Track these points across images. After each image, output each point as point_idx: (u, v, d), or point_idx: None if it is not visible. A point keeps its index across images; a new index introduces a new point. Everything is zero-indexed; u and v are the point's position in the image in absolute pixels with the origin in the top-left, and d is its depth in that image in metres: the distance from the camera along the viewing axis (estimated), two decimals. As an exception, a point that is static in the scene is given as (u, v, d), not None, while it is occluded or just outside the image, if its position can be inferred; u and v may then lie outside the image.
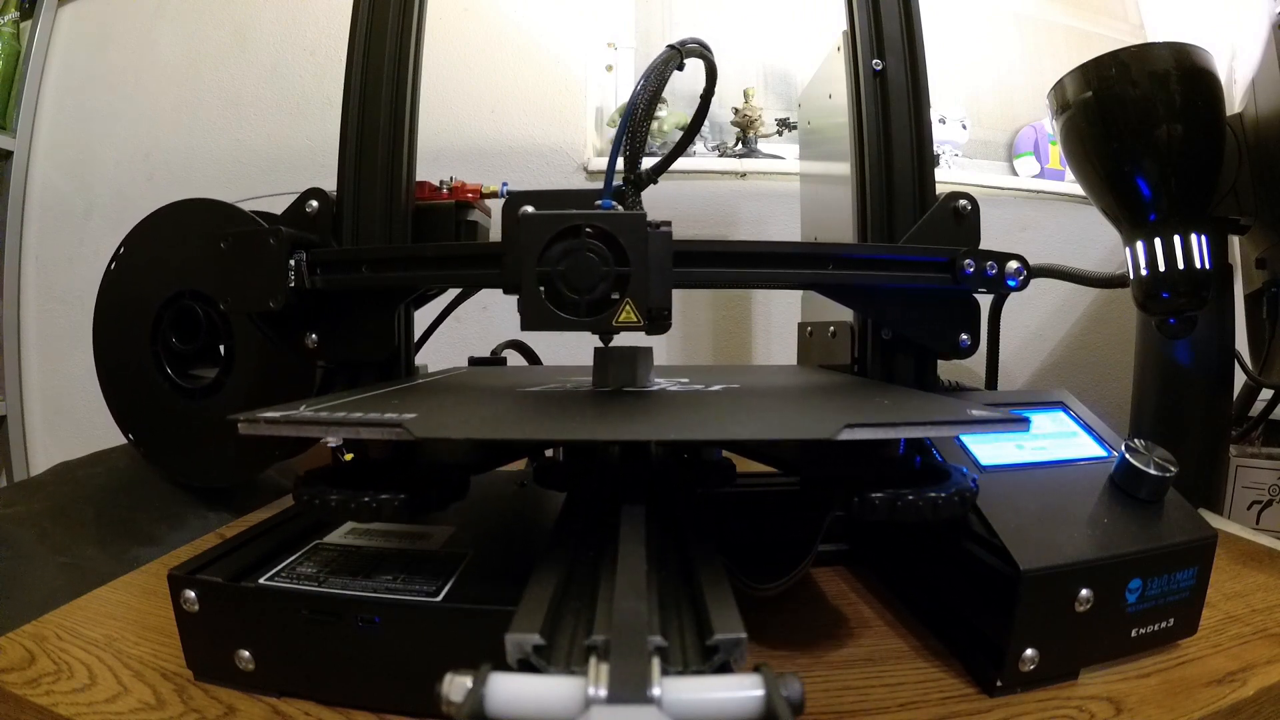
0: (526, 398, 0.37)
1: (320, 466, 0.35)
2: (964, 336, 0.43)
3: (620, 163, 0.40)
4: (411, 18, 0.46)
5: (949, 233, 0.43)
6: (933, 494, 0.29)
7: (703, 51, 0.43)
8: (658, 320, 0.35)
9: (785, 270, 0.40)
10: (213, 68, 1.06)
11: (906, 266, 0.41)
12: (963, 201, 0.43)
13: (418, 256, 0.42)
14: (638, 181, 0.41)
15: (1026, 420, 0.28)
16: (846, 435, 0.24)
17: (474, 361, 0.66)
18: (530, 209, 0.35)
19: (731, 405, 0.35)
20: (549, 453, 0.45)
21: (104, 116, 1.09)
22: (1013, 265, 0.41)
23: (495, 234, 0.58)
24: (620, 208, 0.36)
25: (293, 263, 0.40)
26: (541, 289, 0.34)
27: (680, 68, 0.42)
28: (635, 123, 0.39)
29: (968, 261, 0.40)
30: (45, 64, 1.10)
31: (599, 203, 0.36)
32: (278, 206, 0.46)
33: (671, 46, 0.41)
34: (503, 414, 0.33)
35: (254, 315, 0.43)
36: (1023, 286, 0.41)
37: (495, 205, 0.58)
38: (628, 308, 0.34)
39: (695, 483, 0.38)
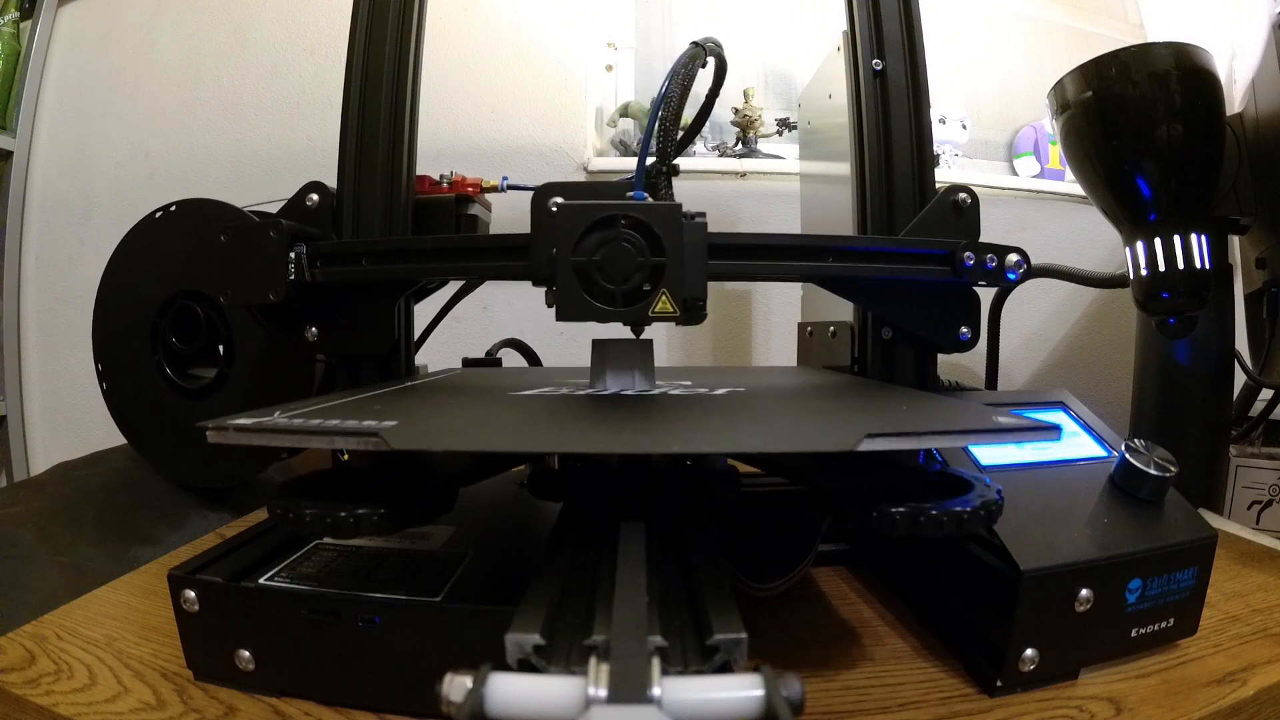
0: (519, 403, 0.36)
1: (301, 475, 0.34)
2: (964, 330, 0.43)
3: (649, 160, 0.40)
4: (411, 18, 0.46)
5: (949, 226, 0.43)
6: (957, 508, 0.27)
7: (718, 49, 0.43)
8: (693, 311, 0.35)
9: (810, 263, 0.40)
10: (213, 68, 1.06)
11: (907, 259, 0.41)
12: (962, 195, 0.43)
13: (417, 249, 0.42)
14: (670, 174, 0.41)
15: (1057, 428, 0.26)
16: (867, 446, 0.23)
17: (468, 363, 0.65)
18: (560, 200, 0.35)
19: (739, 412, 0.33)
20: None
21: (104, 116, 1.09)
22: (1012, 258, 0.41)
23: (495, 228, 0.58)
24: (650, 200, 0.36)
25: (293, 255, 0.40)
26: (576, 280, 0.34)
27: (704, 65, 0.42)
28: (667, 116, 0.40)
29: (967, 254, 0.40)
30: (45, 64, 1.10)
31: (630, 194, 0.36)
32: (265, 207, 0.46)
33: (695, 43, 0.42)
34: (492, 421, 0.31)
35: (253, 308, 0.43)
36: (1023, 279, 0.41)
37: (495, 199, 0.59)
38: (664, 298, 0.34)
39: (699, 492, 0.37)
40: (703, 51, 0.41)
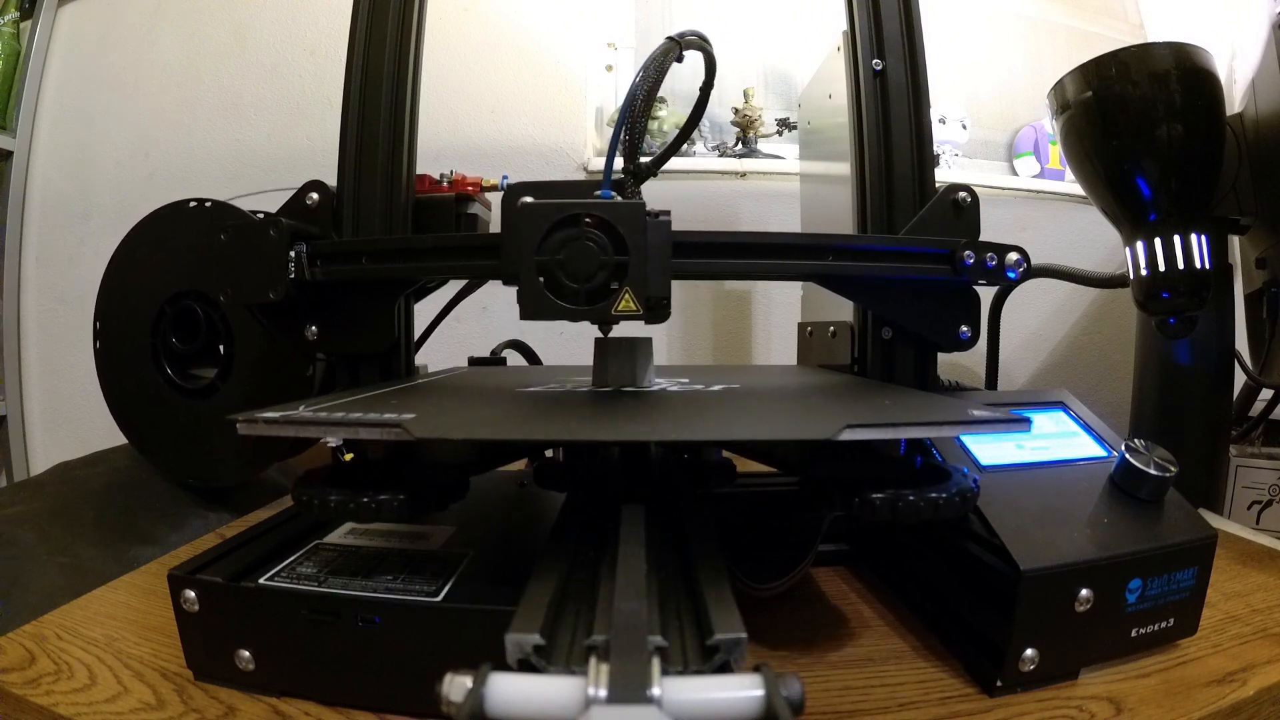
0: (526, 398, 0.37)
1: (319, 466, 0.35)
2: (964, 329, 0.43)
3: (618, 159, 0.40)
4: (411, 18, 0.46)
5: (949, 225, 0.43)
6: (934, 494, 0.29)
7: (702, 44, 0.43)
8: (656, 309, 0.35)
9: (786, 261, 0.40)
10: (213, 68, 1.06)
11: (907, 258, 0.41)
12: (962, 194, 0.43)
13: (417, 248, 0.42)
14: (637, 173, 0.41)
15: (1028, 420, 0.28)
16: (847, 435, 0.24)
17: (473, 361, 0.66)
18: (529, 199, 0.35)
19: (732, 405, 0.34)
20: (549, 453, 0.45)
21: (104, 116, 1.09)
22: (1012, 256, 0.41)
23: (495, 227, 0.58)
24: (619, 198, 0.36)
25: (293, 254, 0.41)
26: (541, 279, 0.34)
27: (680, 60, 0.42)
28: (634, 114, 0.39)
29: (967, 253, 0.40)
30: (45, 64, 1.10)
31: (598, 193, 0.36)
32: (274, 203, 0.46)
33: (671, 39, 0.41)
34: (502, 414, 0.33)
35: (253, 307, 0.43)
36: (1023, 278, 0.41)
37: (495, 198, 0.58)
38: (627, 297, 0.34)
39: (696, 483, 0.38)
40: (677, 46, 0.41)
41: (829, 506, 0.31)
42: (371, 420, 0.26)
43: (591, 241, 0.33)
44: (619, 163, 0.39)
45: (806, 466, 0.35)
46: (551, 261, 0.33)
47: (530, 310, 0.34)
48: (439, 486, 0.32)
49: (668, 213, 0.35)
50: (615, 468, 0.39)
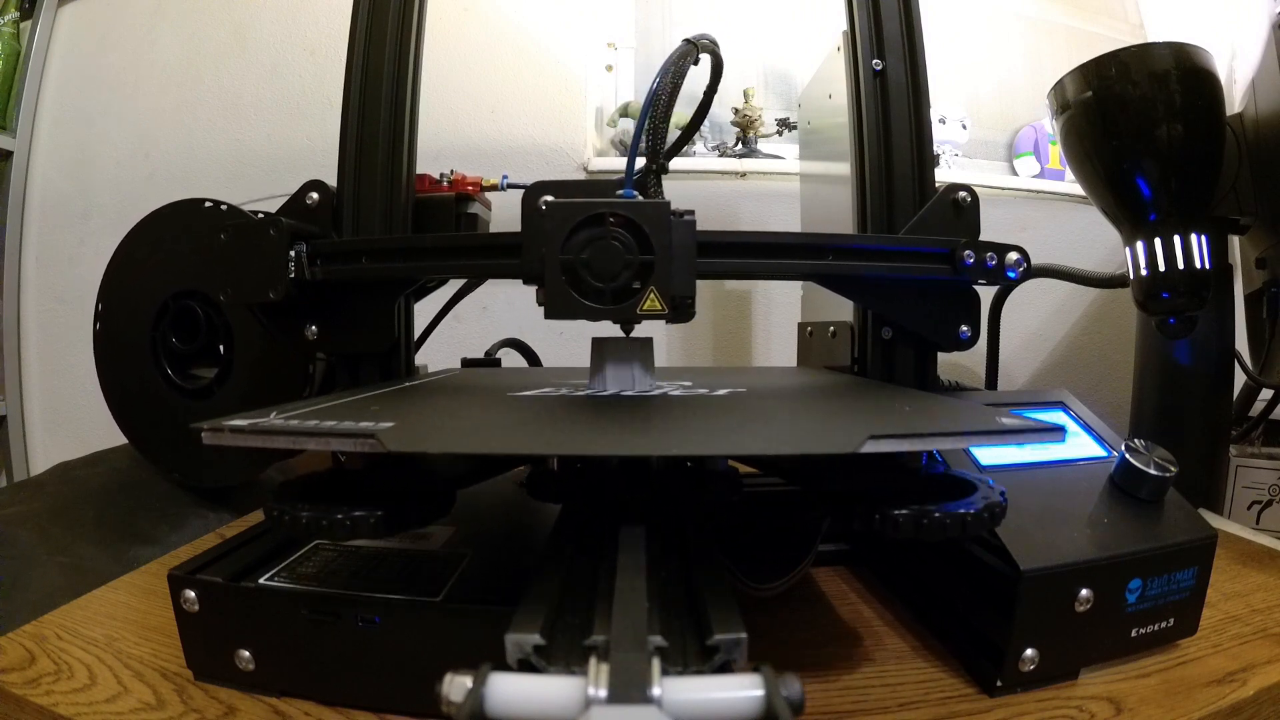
0: (518, 404, 0.35)
1: (299, 477, 0.34)
2: (964, 328, 0.43)
3: (639, 159, 0.40)
4: (411, 18, 0.46)
5: (949, 225, 0.43)
6: (960, 510, 0.27)
7: (712, 47, 0.43)
8: (681, 309, 0.35)
9: (806, 261, 0.40)
10: (213, 68, 1.06)
11: (907, 257, 0.41)
12: (962, 194, 0.43)
13: (417, 247, 0.42)
14: (659, 172, 0.41)
15: (1062, 429, 0.26)
16: (870, 447, 0.22)
17: (467, 363, 0.65)
18: (550, 198, 0.34)
19: (740, 413, 0.33)
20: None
21: (104, 116, 1.09)
22: (1012, 256, 0.41)
23: (495, 226, 0.58)
24: (640, 198, 0.36)
25: (293, 254, 0.40)
26: (564, 278, 0.33)
27: (696, 62, 0.42)
28: (657, 114, 0.40)
29: (967, 253, 0.40)
30: (45, 64, 1.10)
31: (620, 192, 0.36)
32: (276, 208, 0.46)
33: (687, 41, 0.41)
34: (491, 423, 0.31)
35: (253, 307, 0.43)
36: (1023, 278, 0.41)
37: (495, 198, 0.59)
38: (652, 296, 0.34)
39: (700, 494, 0.36)
40: (694, 49, 0.41)
41: (846, 522, 0.29)
42: (344, 430, 0.25)
43: (616, 241, 0.33)
44: (640, 162, 0.39)
45: (819, 477, 0.33)
46: (576, 261, 0.33)
47: (555, 310, 0.34)
48: (421, 501, 0.30)
49: (692, 212, 0.35)
50: (613, 475, 0.37)
